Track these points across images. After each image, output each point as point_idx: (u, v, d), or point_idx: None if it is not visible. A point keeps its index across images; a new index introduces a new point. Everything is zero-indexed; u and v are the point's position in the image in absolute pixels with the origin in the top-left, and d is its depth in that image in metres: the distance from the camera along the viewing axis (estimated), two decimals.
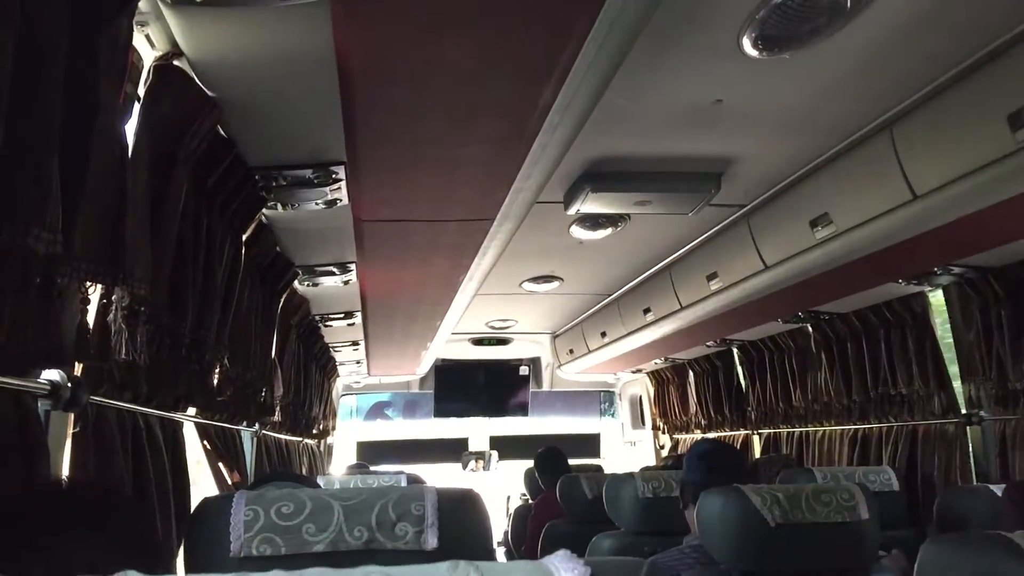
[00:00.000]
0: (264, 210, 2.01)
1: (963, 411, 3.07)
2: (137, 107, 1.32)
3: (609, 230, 3.34)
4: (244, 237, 2.03)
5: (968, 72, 1.94)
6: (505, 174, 1.79)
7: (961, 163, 2.03)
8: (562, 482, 4.15)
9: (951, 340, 3.13)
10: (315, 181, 1.80)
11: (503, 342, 6.23)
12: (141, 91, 1.34)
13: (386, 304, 3.32)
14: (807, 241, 2.73)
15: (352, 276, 2.76)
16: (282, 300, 2.79)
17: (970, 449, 3.05)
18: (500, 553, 5.78)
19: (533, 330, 6.04)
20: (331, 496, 1.29)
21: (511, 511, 5.64)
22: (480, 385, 6.74)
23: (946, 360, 3.19)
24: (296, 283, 2.83)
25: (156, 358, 1.38)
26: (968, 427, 3.04)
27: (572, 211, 2.90)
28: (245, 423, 2.51)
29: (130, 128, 1.28)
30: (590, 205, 2.86)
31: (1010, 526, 1.40)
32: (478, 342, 6.20)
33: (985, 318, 2.86)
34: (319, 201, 1.93)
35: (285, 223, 2.13)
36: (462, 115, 1.57)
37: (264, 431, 3.06)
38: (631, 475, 3.24)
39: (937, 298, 3.18)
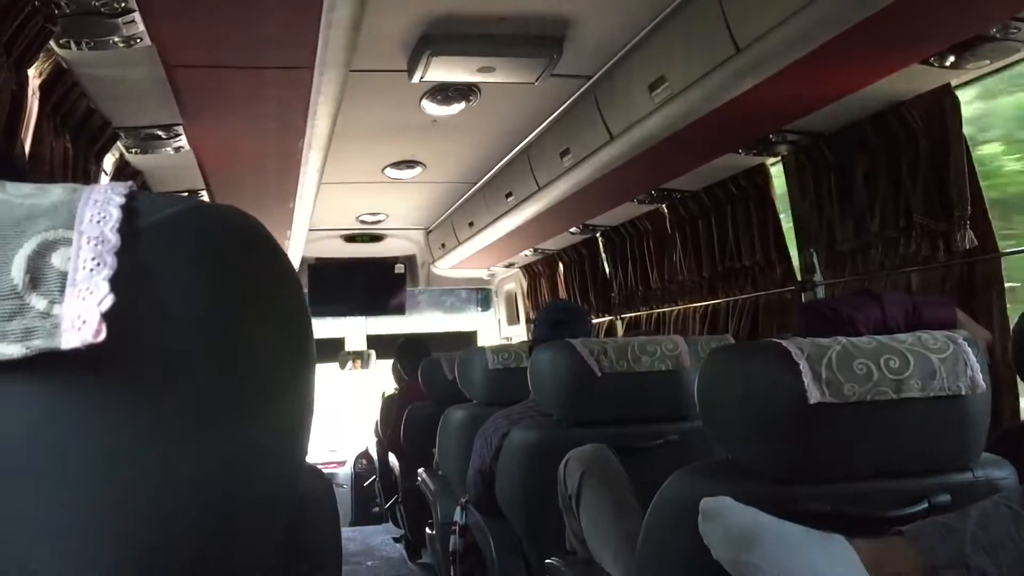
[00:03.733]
0: (58, 50, 1.88)
1: (799, 279, 3.19)
2: None
3: (462, 104, 3.29)
4: (38, 81, 1.90)
5: None
6: (310, 2, 1.71)
7: (778, 10, 2.05)
8: (423, 365, 4.18)
9: (789, 212, 3.23)
10: (103, 9, 1.68)
11: (376, 239, 6.14)
12: None
13: (229, 179, 3.20)
14: (647, 107, 2.74)
15: (182, 142, 2.63)
16: (106, 168, 2.65)
17: None
18: (373, 445, 5.82)
19: (405, 225, 5.97)
20: None
21: None
22: (356, 285, 6.66)
23: (785, 231, 3.30)
24: (124, 151, 2.69)
25: None
26: (803, 293, 3.16)
27: (416, 79, 2.85)
28: None
29: None
30: (433, 72, 2.82)
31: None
32: (350, 239, 6.09)
33: (818, 186, 2.95)
34: (115, 38, 1.80)
35: (89, 69, 1.99)
36: None
37: None
38: (482, 349, 3.29)
39: (777, 170, 3.26)
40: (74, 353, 0.38)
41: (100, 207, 0.41)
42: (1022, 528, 1.07)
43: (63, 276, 0.39)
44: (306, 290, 6.44)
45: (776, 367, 1.34)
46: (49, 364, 0.38)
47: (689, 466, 1.50)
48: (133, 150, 2.66)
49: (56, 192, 0.42)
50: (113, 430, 0.40)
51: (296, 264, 5.98)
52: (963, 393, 1.34)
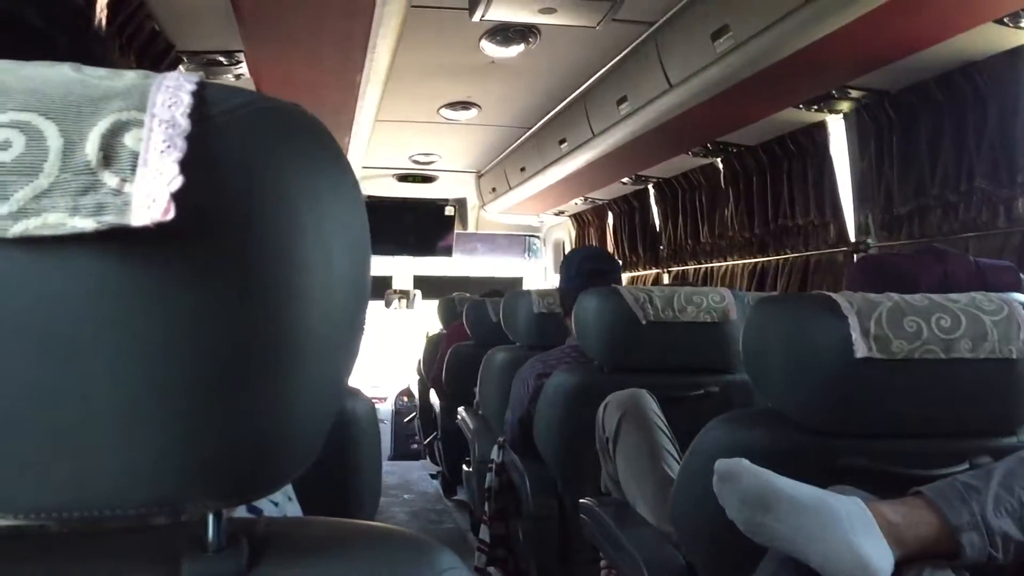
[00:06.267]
0: None
1: (852, 240, 3.14)
2: None
3: (521, 46, 3.27)
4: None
5: None
6: None
7: None
8: (467, 307, 4.21)
9: (848, 171, 3.17)
10: None
11: (428, 179, 6.15)
12: None
13: None
14: (709, 56, 2.69)
15: (243, 69, 2.65)
16: None
17: None
18: (414, 383, 5.89)
19: (457, 167, 5.97)
20: None
21: None
22: (406, 225, 6.69)
23: (840, 191, 3.24)
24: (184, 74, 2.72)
25: None
26: (855, 255, 3.11)
27: (477, 17, 2.83)
28: None
29: None
30: (494, 11, 2.79)
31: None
32: (402, 178, 6.11)
33: (878, 146, 2.89)
34: None
35: None
36: None
37: None
38: (527, 292, 3.29)
39: (837, 128, 3.19)
40: (143, 230, 0.39)
41: (172, 93, 0.43)
42: None
43: (135, 156, 0.40)
44: None
45: (824, 319, 1.32)
46: (119, 239, 0.39)
47: (728, 414, 1.51)
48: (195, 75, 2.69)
49: (130, 76, 0.44)
50: (174, 306, 0.41)
51: None
52: (1014, 357, 1.32)
